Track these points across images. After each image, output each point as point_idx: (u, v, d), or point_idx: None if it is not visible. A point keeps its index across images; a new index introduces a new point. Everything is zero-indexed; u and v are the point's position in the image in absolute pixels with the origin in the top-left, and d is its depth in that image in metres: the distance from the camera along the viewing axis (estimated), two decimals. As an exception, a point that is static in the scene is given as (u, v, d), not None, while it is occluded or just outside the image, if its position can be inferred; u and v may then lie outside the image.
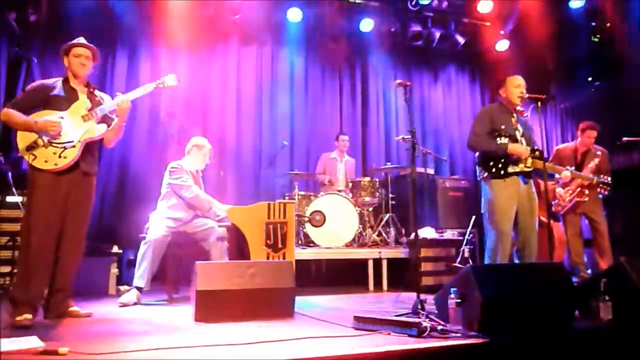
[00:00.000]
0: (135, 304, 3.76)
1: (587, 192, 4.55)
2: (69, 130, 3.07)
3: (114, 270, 4.64)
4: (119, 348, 2.17)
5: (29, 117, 3.01)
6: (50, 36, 5.74)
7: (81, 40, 3.28)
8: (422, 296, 3.06)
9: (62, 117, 3.07)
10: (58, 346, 2.07)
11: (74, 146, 3.06)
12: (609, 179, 4.27)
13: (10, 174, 4.56)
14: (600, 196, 4.46)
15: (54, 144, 3.01)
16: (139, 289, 3.84)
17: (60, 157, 3.01)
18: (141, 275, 3.85)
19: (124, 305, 3.70)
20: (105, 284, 4.49)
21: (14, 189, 4.51)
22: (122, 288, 4.77)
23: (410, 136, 3.37)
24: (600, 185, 4.29)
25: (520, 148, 3.63)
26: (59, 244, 3.05)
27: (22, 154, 2.98)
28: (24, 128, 2.98)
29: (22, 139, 2.99)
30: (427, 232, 5.09)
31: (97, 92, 3.34)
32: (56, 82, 3.20)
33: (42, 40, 5.75)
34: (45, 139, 3.00)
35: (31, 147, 2.97)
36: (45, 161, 2.98)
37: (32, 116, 3.02)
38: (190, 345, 2.23)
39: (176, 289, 4.30)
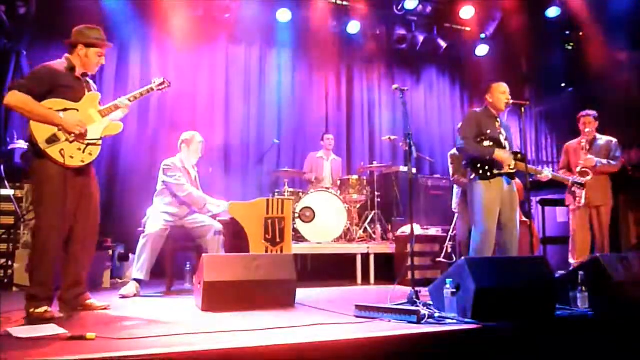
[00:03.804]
0: (134, 295, 3.86)
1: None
2: (88, 126, 3.01)
3: (109, 264, 4.70)
4: (141, 334, 2.29)
5: (47, 107, 2.86)
6: (40, 29, 5.74)
7: (103, 35, 3.15)
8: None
9: (76, 110, 2.98)
10: (84, 332, 2.18)
11: (96, 144, 3.04)
12: (582, 179, 4.48)
13: (2, 167, 4.57)
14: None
15: (78, 140, 2.95)
16: (138, 281, 3.94)
17: (84, 153, 2.97)
18: (140, 267, 3.95)
19: (124, 297, 3.79)
20: (100, 277, 4.54)
21: (6, 182, 4.53)
22: (112, 280, 4.85)
23: (405, 138, 3.54)
24: (574, 184, 4.50)
25: (505, 155, 3.86)
26: (73, 238, 3.03)
27: (44, 148, 2.83)
28: (43, 119, 2.84)
29: (40, 131, 2.84)
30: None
31: (88, 79, 3.22)
32: (63, 68, 3.01)
33: (32, 33, 5.72)
34: (68, 134, 2.91)
35: (51, 141, 2.85)
36: (71, 157, 2.91)
37: (45, 104, 2.87)
38: (208, 331, 2.37)
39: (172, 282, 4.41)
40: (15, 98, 2.80)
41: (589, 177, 4.50)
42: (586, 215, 4.77)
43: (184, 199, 4.15)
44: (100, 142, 3.09)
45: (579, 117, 4.92)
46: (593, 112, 4.89)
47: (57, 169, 2.88)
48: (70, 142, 2.93)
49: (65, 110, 2.95)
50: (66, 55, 3.11)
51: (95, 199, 3.16)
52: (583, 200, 4.60)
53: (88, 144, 3.01)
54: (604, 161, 4.71)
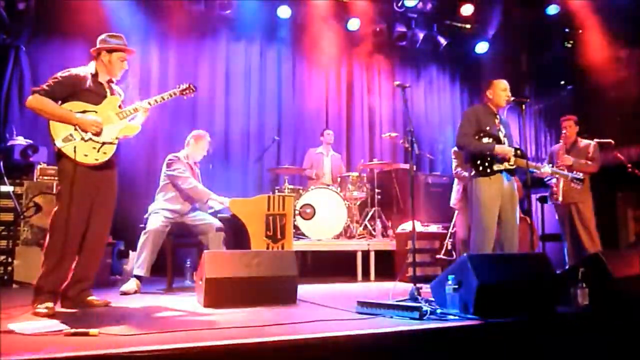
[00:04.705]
0: (135, 292, 3.86)
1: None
2: (105, 126, 3.09)
3: (109, 261, 4.69)
4: (143, 330, 2.29)
5: (65, 108, 2.99)
6: (39, 25, 5.72)
7: (125, 41, 3.27)
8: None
9: (95, 112, 3.08)
10: (87, 328, 2.18)
11: (112, 143, 3.11)
12: (581, 174, 4.51)
13: (1, 163, 4.55)
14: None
15: (93, 139, 3.03)
16: (139, 277, 3.95)
17: (99, 152, 3.05)
18: (140, 264, 3.95)
19: (125, 294, 3.79)
20: (102, 273, 4.53)
21: (5, 179, 4.51)
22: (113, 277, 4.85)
23: (406, 135, 3.55)
24: (573, 180, 4.53)
25: (506, 149, 3.87)
26: (85, 236, 3.08)
27: (59, 146, 2.95)
28: (61, 120, 2.96)
29: (57, 131, 2.97)
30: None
31: (113, 85, 3.33)
32: (86, 73, 3.15)
33: (31, 29, 5.70)
34: (84, 133, 3.00)
35: (67, 140, 2.96)
36: (85, 155, 3.00)
37: (65, 106, 3.00)
38: (210, 327, 2.38)
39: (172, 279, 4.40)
40: (36, 101, 2.94)
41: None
42: (566, 212, 4.93)
43: (188, 191, 4.15)
44: (116, 141, 3.16)
45: (561, 121, 5.15)
46: (574, 117, 5.11)
47: (70, 166, 2.96)
48: (85, 141, 3.02)
49: (84, 112, 3.06)
50: (92, 62, 3.24)
51: (111, 198, 3.23)
52: (560, 198, 4.77)
53: (103, 144, 3.08)
54: (582, 161, 4.86)
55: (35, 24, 5.69)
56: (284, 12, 6.69)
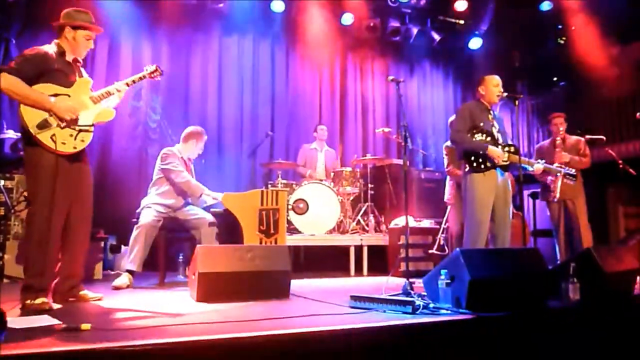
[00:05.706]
0: (127, 287, 3.84)
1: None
2: (80, 112, 2.94)
3: (101, 255, 4.67)
4: (136, 324, 2.28)
5: (39, 91, 2.77)
6: (29, 17, 5.65)
7: (92, 19, 3.05)
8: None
9: (68, 95, 2.91)
10: (78, 323, 2.16)
11: (88, 130, 2.98)
12: (573, 170, 4.54)
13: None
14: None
15: (69, 126, 2.88)
16: (131, 272, 3.92)
17: (76, 139, 2.90)
18: (133, 259, 3.92)
19: (117, 288, 3.77)
20: (92, 268, 4.51)
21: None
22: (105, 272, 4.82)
23: (400, 130, 3.54)
24: (566, 176, 4.56)
25: (497, 152, 3.87)
26: (68, 229, 2.98)
27: (34, 133, 2.73)
28: (34, 104, 2.74)
29: (30, 115, 2.74)
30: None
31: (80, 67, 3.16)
32: (54, 52, 2.92)
33: (21, 21, 5.63)
34: (60, 120, 2.83)
35: (42, 126, 2.75)
36: (63, 143, 2.83)
37: (36, 88, 2.78)
38: (203, 321, 2.37)
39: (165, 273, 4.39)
40: (6, 81, 2.67)
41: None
42: (560, 208, 4.98)
43: (181, 185, 4.13)
44: (92, 128, 3.03)
45: (551, 118, 5.20)
46: (563, 114, 5.18)
47: (50, 157, 2.81)
48: (62, 128, 2.86)
49: (56, 95, 2.87)
50: (55, 40, 3.02)
51: (89, 188, 3.13)
52: (558, 194, 4.78)
53: (80, 130, 2.95)
54: (576, 158, 4.93)
55: (25, 16, 5.62)
56: (278, 6, 6.65)
